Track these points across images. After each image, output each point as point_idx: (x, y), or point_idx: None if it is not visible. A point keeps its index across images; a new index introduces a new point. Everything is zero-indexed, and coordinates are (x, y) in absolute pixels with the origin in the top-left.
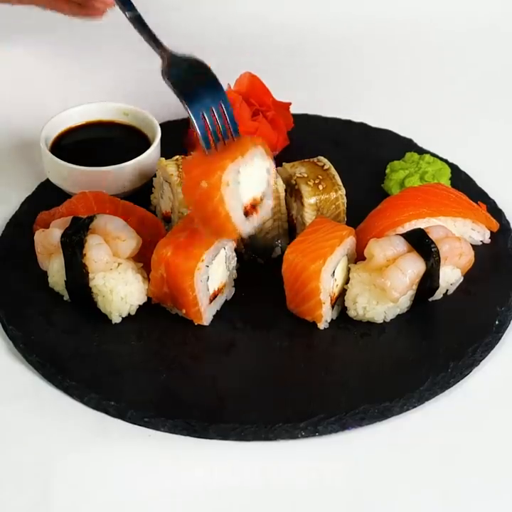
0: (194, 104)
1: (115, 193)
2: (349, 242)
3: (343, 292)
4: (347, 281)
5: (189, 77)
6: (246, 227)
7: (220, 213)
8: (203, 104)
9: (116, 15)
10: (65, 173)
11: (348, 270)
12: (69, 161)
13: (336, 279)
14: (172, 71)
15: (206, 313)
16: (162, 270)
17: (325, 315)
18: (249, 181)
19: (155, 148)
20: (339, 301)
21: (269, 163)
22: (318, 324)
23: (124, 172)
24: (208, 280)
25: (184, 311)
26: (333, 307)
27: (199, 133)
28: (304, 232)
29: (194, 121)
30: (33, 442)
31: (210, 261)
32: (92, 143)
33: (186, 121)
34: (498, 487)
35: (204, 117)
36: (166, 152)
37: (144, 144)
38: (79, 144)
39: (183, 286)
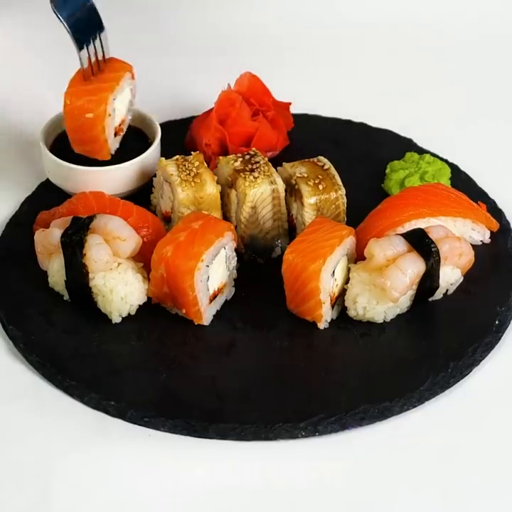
0: (79, 35)
1: (115, 193)
2: (349, 241)
3: (343, 292)
4: (347, 281)
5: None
6: (114, 145)
7: (99, 140)
8: (85, 34)
9: (117, 15)
10: (65, 173)
11: (348, 270)
12: (69, 161)
13: (335, 279)
14: (59, 2)
15: (206, 313)
16: (162, 270)
17: (325, 315)
18: (121, 105)
19: (155, 148)
20: (339, 301)
21: (133, 83)
22: (318, 324)
23: (124, 172)
24: (207, 280)
25: (184, 311)
26: (333, 307)
27: (83, 64)
28: (304, 232)
29: (80, 55)
30: (33, 442)
31: (210, 261)
32: None
33: (186, 122)
34: (498, 487)
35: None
36: (166, 152)
37: (144, 143)
38: None
39: (183, 286)
